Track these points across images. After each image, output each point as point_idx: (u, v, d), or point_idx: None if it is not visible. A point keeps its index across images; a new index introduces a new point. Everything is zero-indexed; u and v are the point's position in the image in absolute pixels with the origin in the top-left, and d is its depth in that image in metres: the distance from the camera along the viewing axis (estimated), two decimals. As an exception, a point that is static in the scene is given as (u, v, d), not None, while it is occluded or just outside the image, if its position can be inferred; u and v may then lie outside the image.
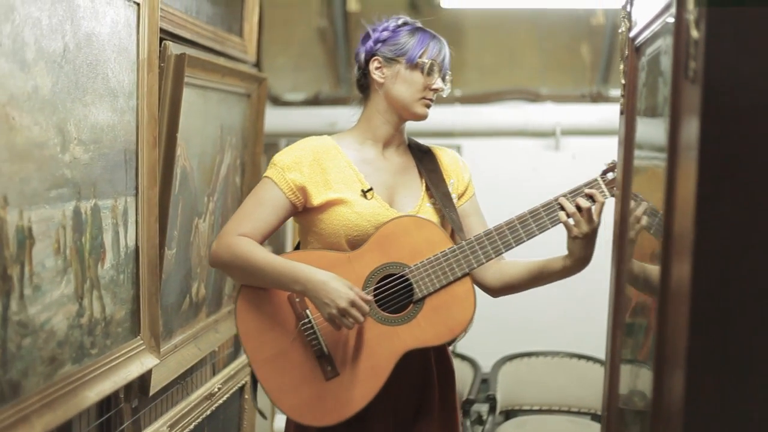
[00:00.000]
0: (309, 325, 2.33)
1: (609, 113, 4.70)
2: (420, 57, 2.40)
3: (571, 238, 2.35)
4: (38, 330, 1.81)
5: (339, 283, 2.25)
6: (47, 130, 1.82)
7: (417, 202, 2.44)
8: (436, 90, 2.43)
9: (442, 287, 2.33)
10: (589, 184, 2.37)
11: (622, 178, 1.94)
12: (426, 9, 5.11)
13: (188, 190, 2.68)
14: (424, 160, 2.51)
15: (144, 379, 2.43)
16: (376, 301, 2.33)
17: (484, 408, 4.45)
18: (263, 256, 2.30)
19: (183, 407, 2.69)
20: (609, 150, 4.61)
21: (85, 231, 2.01)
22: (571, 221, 2.33)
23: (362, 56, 2.47)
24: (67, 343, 1.94)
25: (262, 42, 3.69)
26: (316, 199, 2.35)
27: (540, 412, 4.49)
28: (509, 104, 4.84)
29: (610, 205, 2.27)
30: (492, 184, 3.85)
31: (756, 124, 1.29)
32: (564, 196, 2.35)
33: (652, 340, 1.88)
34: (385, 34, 2.44)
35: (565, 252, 2.42)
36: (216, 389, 2.92)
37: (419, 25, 2.48)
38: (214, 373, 3.19)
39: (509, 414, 4.52)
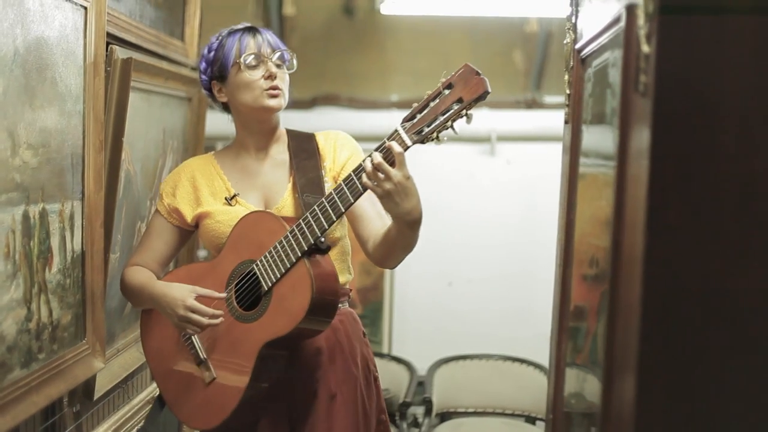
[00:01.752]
0: (186, 335, 2.39)
1: (543, 120, 4.79)
2: (235, 59, 2.37)
3: (379, 197, 2.15)
4: (-12, 335, 1.81)
5: (177, 292, 2.30)
6: (-2, 134, 1.82)
7: (283, 197, 2.40)
8: (270, 77, 2.37)
9: (283, 275, 2.24)
10: (391, 136, 2.12)
11: (568, 185, 1.99)
12: (361, 14, 5.14)
13: (132, 194, 2.68)
14: (301, 150, 2.45)
15: (88, 384, 2.42)
16: (240, 301, 2.32)
17: (419, 410, 4.50)
18: (137, 281, 2.41)
19: (126, 411, 2.68)
20: (542, 155, 4.73)
21: (33, 235, 2.00)
22: (373, 182, 2.11)
23: (204, 90, 2.48)
24: (16, 347, 1.93)
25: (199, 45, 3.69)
26: (189, 217, 2.43)
27: (475, 414, 4.55)
28: (445, 110, 4.88)
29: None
30: (428, 189, 3.89)
31: (704, 135, 1.34)
32: (369, 155, 2.14)
33: (591, 343, 1.94)
34: (210, 56, 2.43)
35: None
36: (157, 393, 2.91)
37: (234, 28, 2.44)
38: (152, 377, 3.18)
39: (445, 416, 4.57)
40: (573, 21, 2.02)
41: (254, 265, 2.28)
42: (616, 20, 1.56)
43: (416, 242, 2.29)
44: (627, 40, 1.48)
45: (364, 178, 2.10)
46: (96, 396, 2.47)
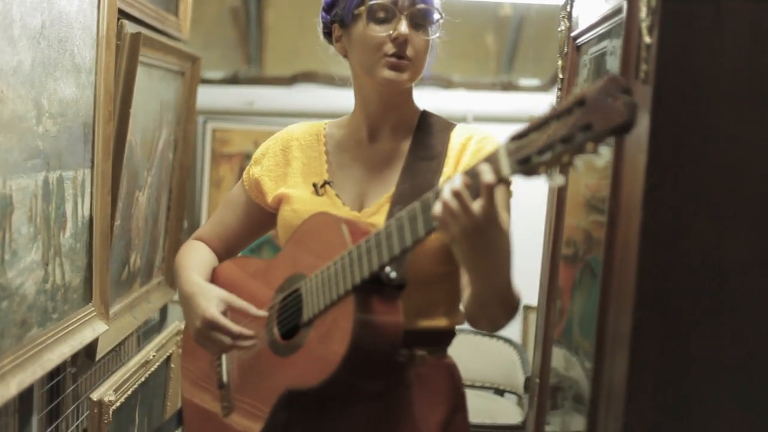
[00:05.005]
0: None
1: (519, 101, 4.91)
2: (359, 5, 1.84)
3: (449, 239, 1.53)
4: (14, 294, 1.90)
5: (204, 298, 1.86)
6: (26, 103, 1.90)
7: (378, 201, 1.88)
8: (398, 40, 1.80)
9: (327, 308, 1.69)
10: (489, 156, 1.45)
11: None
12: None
13: (132, 164, 2.76)
14: (424, 145, 1.91)
15: (91, 345, 2.51)
16: (281, 322, 1.84)
17: (392, 382, 4.61)
18: (181, 263, 2.04)
19: (123, 373, 2.78)
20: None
21: (51, 200, 2.09)
22: (444, 214, 1.49)
23: (322, 33, 2.01)
24: (35, 307, 2.03)
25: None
26: (270, 196, 1.99)
27: (446, 386, 4.68)
28: (423, 90, 4.98)
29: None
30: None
31: (700, 119, 1.45)
32: (461, 174, 1.50)
33: (566, 321, 2.08)
34: None
35: None
36: (151, 356, 3.01)
37: None
38: (138, 343, 3.27)
39: (416, 388, 4.69)
40: (568, 10, 2.15)
41: (302, 283, 1.79)
42: (617, 11, 1.69)
43: (507, 315, 1.75)
44: (628, 30, 1.60)
45: (436, 207, 1.49)
46: (98, 357, 2.56)
